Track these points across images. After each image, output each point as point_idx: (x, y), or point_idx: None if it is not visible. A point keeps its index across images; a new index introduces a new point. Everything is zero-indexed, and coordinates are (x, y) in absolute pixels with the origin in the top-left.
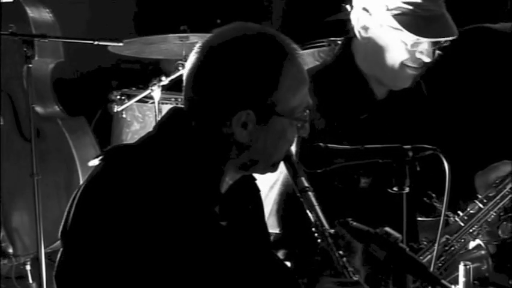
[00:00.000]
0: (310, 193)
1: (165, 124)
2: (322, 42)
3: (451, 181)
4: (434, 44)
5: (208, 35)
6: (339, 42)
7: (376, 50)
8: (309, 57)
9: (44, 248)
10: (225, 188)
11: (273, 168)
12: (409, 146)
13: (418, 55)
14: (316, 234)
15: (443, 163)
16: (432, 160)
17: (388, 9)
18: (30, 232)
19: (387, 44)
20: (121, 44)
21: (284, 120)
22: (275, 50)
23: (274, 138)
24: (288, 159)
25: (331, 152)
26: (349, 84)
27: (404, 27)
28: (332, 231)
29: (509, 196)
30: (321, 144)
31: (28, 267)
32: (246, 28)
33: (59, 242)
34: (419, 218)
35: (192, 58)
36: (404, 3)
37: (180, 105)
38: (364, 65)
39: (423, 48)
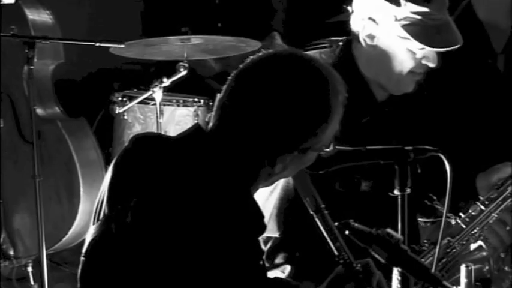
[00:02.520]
0: (326, 212)
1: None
2: (324, 43)
3: (453, 182)
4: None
5: (210, 37)
6: (340, 43)
7: (382, 58)
8: None
9: (46, 250)
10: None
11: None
12: (410, 147)
13: (424, 61)
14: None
15: (444, 164)
16: (433, 161)
17: (396, 20)
18: (32, 234)
19: (394, 53)
20: (122, 46)
21: (313, 154)
22: (327, 92)
23: (301, 165)
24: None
25: (335, 153)
26: (349, 87)
27: (414, 38)
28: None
29: (511, 198)
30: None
31: (29, 269)
32: (295, 59)
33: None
34: (420, 219)
35: (237, 83)
36: (413, 13)
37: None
38: (367, 70)
39: (429, 55)
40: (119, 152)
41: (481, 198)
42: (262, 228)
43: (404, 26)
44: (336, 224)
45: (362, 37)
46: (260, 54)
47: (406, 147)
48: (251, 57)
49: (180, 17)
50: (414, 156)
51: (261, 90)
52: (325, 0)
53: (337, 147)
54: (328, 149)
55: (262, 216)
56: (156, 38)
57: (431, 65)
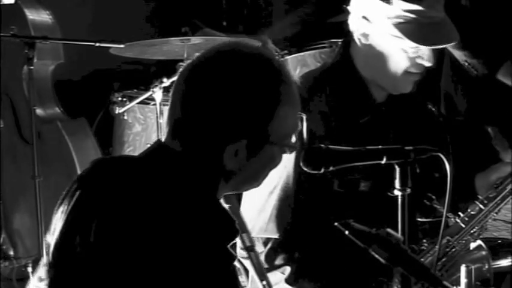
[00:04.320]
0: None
1: (153, 152)
2: (323, 43)
3: (452, 182)
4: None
5: (210, 37)
6: (340, 43)
7: (377, 58)
8: (310, 59)
9: None
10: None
11: (257, 186)
12: (411, 147)
13: (419, 60)
14: None
15: (444, 164)
16: (432, 161)
17: (388, 18)
18: (32, 234)
19: (388, 52)
20: (122, 46)
21: (275, 147)
22: (273, 76)
23: (263, 164)
24: None
25: (333, 153)
26: (348, 87)
27: (406, 36)
28: None
29: (510, 197)
30: (322, 145)
31: (29, 269)
32: (241, 48)
33: None
34: (419, 219)
35: (181, 78)
36: (406, 11)
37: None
38: (364, 70)
39: (424, 54)
40: (74, 178)
41: (480, 197)
42: (234, 232)
43: (396, 25)
44: (336, 224)
45: (357, 36)
46: (203, 52)
47: (406, 147)
48: (195, 56)
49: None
50: (414, 156)
51: (212, 90)
52: (325, 1)
53: (336, 147)
54: (291, 148)
55: (232, 221)
56: (156, 39)
57: (427, 64)
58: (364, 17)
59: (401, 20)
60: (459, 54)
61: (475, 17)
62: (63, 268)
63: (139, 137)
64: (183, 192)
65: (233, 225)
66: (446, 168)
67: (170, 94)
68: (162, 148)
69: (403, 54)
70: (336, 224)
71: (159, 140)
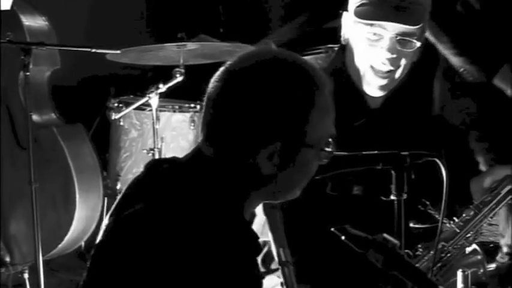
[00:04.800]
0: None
1: (191, 158)
2: (320, 49)
3: (447, 185)
4: (399, 43)
5: (206, 43)
6: (336, 49)
7: (351, 52)
8: None
9: (42, 256)
10: (248, 216)
11: (293, 196)
12: (406, 152)
13: (381, 52)
14: None
15: (440, 169)
16: (426, 166)
17: (353, 4)
18: (28, 240)
19: (355, 43)
20: (118, 52)
21: (311, 152)
22: (307, 80)
23: (299, 170)
24: None
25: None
26: (341, 93)
27: (356, 16)
28: None
29: (505, 201)
30: None
31: (26, 276)
32: (275, 53)
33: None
34: (415, 225)
35: (216, 82)
36: None
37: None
38: (350, 71)
39: (385, 44)
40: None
41: (475, 202)
42: (257, 249)
43: (355, 8)
44: (332, 229)
45: (342, 38)
46: (238, 57)
47: (402, 152)
48: (228, 63)
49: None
50: (411, 161)
51: (246, 94)
52: (321, 6)
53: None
54: (328, 150)
55: (253, 238)
56: (152, 45)
57: (388, 55)
58: (345, 10)
59: (361, 3)
60: (455, 61)
61: (471, 23)
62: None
63: (135, 142)
64: (209, 203)
65: (253, 242)
66: (443, 173)
67: (204, 98)
68: (197, 153)
69: (365, 42)
70: (332, 229)
71: (197, 146)
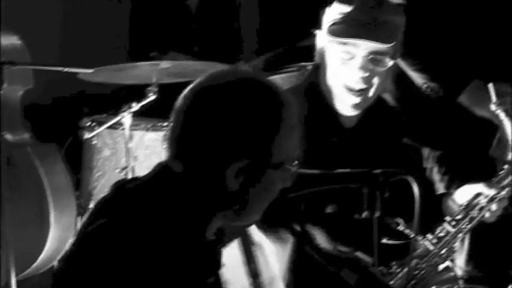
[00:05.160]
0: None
1: (157, 174)
2: (293, 67)
3: (420, 204)
4: (371, 61)
5: (179, 61)
6: (309, 67)
7: (324, 71)
8: (280, 82)
9: (15, 276)
10: (211, 233)
11: (250, 223)
12: (379, 171)
13: (353, 71)
14: None
15: (412, 188)
16: (400, 184)
17: (326, 23)
18: (0, 260)
19: (329, 61)
20: (91, 71)
21: (275, 173)
22: (274, 100)
23: (264, 189)
24: None
25: (301, 176)
26: (315, 111)
27: (329, 34)
28: None
29: (478, 218)
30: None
31: None
32: (243, 73)
33: (30, 270)
34: (389, 242)
35: (185, 99)
36: (338, 13)
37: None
38: (324, 90)
39: (358, 63)
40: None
41: (448, 219)
42: (211, 268)
43: (328, 28)
44: (307, 247)
45: (315, 56)
46: (206, 76)
47: (375, 171)
48: (197, 80)
49: (157, 41)
50: (383, 180)
51: (215, 111)
52: (294, 25)
53: (305, 170)
54: (288, 184)
55: (212, 256)
56: (125, 64)
57: (361, 73)
58: (319, 29)
59: (333, 22)
60: (418, 77)
61: (435, 40)
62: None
63: (108, 161)
64: (171, 218)
65: (212, 261)
66: (415, 191)
67: (172, 114)
68: (164, 170)
69: (338, 61)
70: (306, 247)
71: (161, 162)
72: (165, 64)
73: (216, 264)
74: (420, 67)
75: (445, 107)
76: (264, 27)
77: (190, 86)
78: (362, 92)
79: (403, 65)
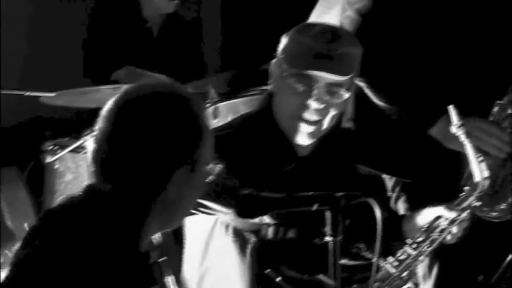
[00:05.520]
0: None
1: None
2: (255, 90)
3: (382, 226)
4: (327, 93)
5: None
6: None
7: (279, 100)
8: (242, 106)
9: None
10: (145, 245)
11: (182, 221)
12: (340, 194)
13: (309, 102)
14: None
15: (374, 210)
16: (362, 207)
17: (283, 52)
18: None
19: (284, 91)
20: (53, 95)
21: (201, 175)
22: (193, 109)
23: (194, 192)
24: None
25: (263, 200)
26: (269, 138)
27: (286, 64)
28: None
29: (439, 240)
30: (253, 192)
31: None
32: (160, 85)
33: None
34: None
35: (107, 118)
36: (296, 43)
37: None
38: (278, 118)
39: (313, 94)
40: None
41: (409, 241)
42: (148, 281)
43: (284, 57)
44: (268, 270)
45: (270, 84)
46: (125, 93)
47: (336, 194)
48: (115, 98)
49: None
50: (345, 203)
51: (138, 127)
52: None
53: (268, 194)
54: (209, 167)
55: (146, 270)
56: (86, 88)
57: (316, 105)
58: (273, 56)
59: (291, 52)
60: (388, 109)
61: (405, 71)
62: None
63: (70, 185)
64: (104, 238)
65: (145, 275)
66: (376, 214)
67: (95, 134)
68: (92, 192)
69: (294, 93)
70: (267, 271)
71: (89, 183)
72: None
73: (151, 279)
74: (387, 99)
75: (415, 138)
76: (227, 49)
77: (109, 104)
78: (317, 123)
79: (369, 93)
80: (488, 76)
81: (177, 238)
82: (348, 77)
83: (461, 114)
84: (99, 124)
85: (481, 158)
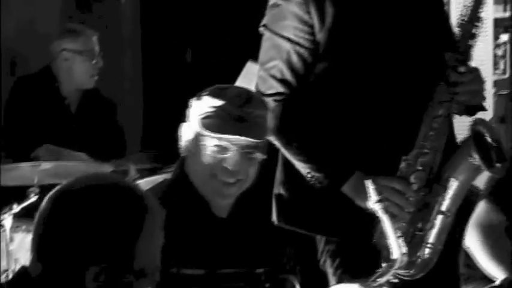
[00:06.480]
0: None
1: None
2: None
3: None
4: (243, 156)
5: (61, 162)
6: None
7: (194, 162)
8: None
9: None
10: None
11: None
12: (261, 270)
13: (225, 165)
14: None
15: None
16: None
17: (198, 116)
18: None
19: (199, 153)
20: None
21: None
22: (138, 206)
23: None
24: None
25: (185, 277)
26: (184, 202)
27: (202, 127)
28: None
29: None
30: (174, 269)
31: None
32: (110, 178)
33: None
34: None
35: (49, 201)
36: (210, 106)
37: None
38: (194, 180)
39: (229, 157)
40: None
41: None
42: None
43: (200, 120)
44: None
45: (182, 148)
46: (71, 182)
47: (258, 270)
48: (63, 183)
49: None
50: (265, 279)
51: (76, 220)
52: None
53: (189, 270)
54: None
55: None
56: (5, 165)
57: (231, 166)
58: (186, 120)
59: (205, 115)
60: (302, 167)
61: (318, 129)
62: None
63: None
64: None
65: None
66: None
67: (36, 216)
68: (22, 274)
69: (209, 156)
70: None
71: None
72: (46, 165)
73: None
74: (304, 158)
75: (331, 196)
76: (147, 125)
77: (56, 188)
78: (233, 184)
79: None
80: (395, 132)
81: None
82: (263, 139)
83: (373, 171)
84: (43, 203)
85: (399, 234)
